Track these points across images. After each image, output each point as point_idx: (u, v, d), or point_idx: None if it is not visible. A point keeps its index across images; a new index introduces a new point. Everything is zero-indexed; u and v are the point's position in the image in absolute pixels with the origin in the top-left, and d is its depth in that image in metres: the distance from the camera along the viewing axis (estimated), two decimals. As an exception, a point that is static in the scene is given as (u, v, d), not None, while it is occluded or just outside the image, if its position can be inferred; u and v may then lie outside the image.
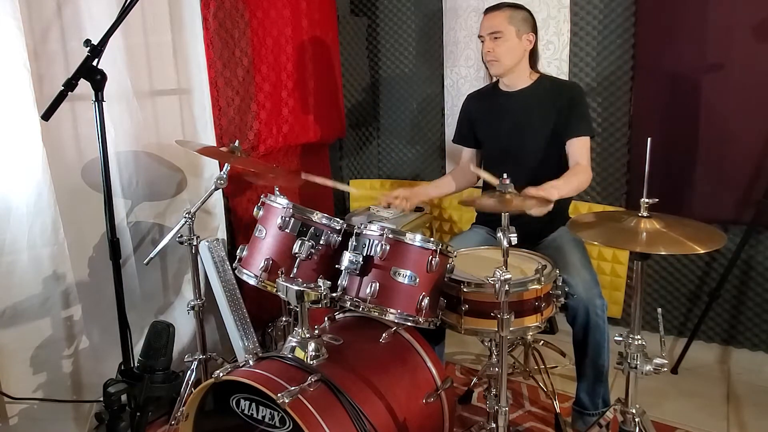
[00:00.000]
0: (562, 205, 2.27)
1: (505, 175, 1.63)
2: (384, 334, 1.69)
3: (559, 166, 2.16)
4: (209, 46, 2.31)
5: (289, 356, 1.55)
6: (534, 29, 2.12)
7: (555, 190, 1.79)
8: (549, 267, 1.79)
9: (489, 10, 2.14)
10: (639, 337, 1.52)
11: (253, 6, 2.49)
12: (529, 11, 2.13)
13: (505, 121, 2.18)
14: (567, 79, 2.61)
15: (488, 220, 2.28)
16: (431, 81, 3.07)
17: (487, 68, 2.21)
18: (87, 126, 1.94)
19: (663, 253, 1.41)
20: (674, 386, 2.39)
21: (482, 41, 2.14)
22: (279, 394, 1.33)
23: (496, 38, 2.08)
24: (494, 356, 1.86)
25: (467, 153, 2.39)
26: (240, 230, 2.59)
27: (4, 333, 1.81)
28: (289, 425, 1.39)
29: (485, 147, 2.29)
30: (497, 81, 2.26)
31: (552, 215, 2.13)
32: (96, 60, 1.57)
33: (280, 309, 2.38)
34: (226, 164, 1.97)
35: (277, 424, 1.42)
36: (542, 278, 1.69)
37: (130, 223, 2.14)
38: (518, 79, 2.17)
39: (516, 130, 2.16)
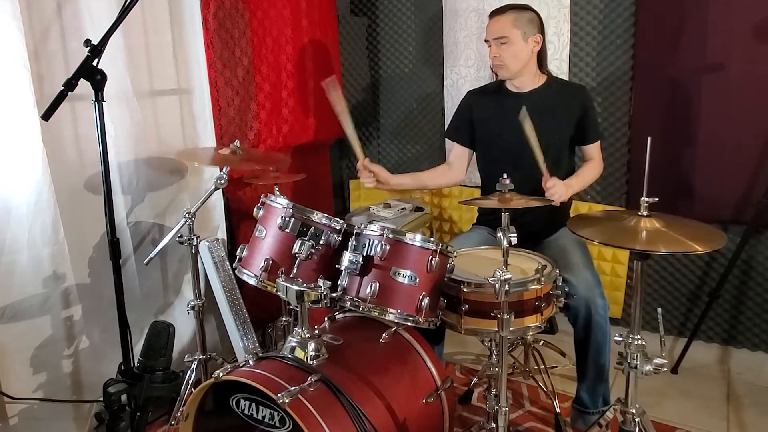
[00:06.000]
0: (564, 205, 2.27)
1: (504, 175, 1.64)
2: (384, 334, 1.69)
3: (561, 166, 2.17)
4: (209, 46, 2.31)
5: (289, 356, 1.54)
6: (541, 30, 2.10)
7: (570, 188, 2.03)
8: (549, 267, 1.79)
9: (494, 14, 2.11)
10: (639, 337, 1.52)
11: (253, 6, 2.49)
12: (535, 11, 2.10)
13: (514, 122, 2.16)
14: (567, 79, 2.61)
15: (489, 220, 2.27)
16: (431, 81, 3.07)
17: (494, 71, 2.19)
18: (87, 126, 1.94)
19: (663, 251, 1.40)
20: (674, 386, 2.39)
21: (488, 45, 2.12)
22: (279, 394, 1.33)
23: (502, 43, 2.06)
24: (494, 356, 1.86)
25: (458, 150, 2.33)
26: (240, 230, 2.59)
27: (4, 333, 1.81)
28: (289, 425, 1.38)
29: (487, 146, 2.26)
30: (503, 80, 2.22)
31: (553, 216, 2.15)
32: (96, 60, 1.57)
33: (280, 309, 2.39)
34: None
35: (277, 424, 1.41)
36: (542, 278, 1.69)
37: (130, 223, 2.14)
38: (527, 81, 2.15)
39: (523, 131, 2.14)
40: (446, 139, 2.36)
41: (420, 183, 2.41)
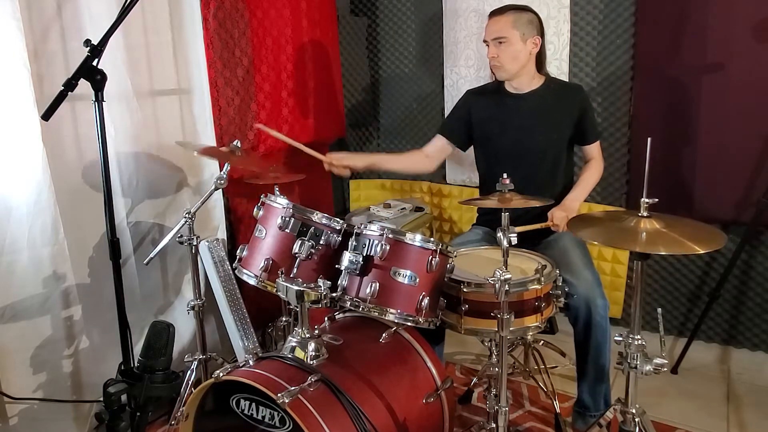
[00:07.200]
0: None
1: (504, 175, 1.64)
2: (384, 334, 1.69)
3: (560, 166, 2.17)
4: (209, 46, 2.31)
5: (289, 356, 1.54)
6: (540, 32, 2.09)
7: (576, 202, 2.04)
8: (549, 267, 1.79)
9: (493, 14, 2.10)
10: (639, 337, 1.52)
11: (253, 6, 2.49)
12: (534, 13, 2.10)
13: (513, 122, 2.16)
14: (567, 79, 2.61)
15: (489, 221, 2.27)
16: (431, 81, 3.07)
17: (493, 73, 2.19)
18: (87, 126, 1.94)
19: (663, 252, 1.40)
20: (674, 386, 2.39)
21: (487, 46, 2.12)
22: (279, 394, 1.33)
23: (500, 43, 2.05)
24: (494, 356, 1.86)
25: (441, 143, 2.31)
26: (240, 230, 2.59)
27: (4, 333, 1.81)
28: (289, 425, 1.38)
29: (486, 147, 2.26)
30: (502, 81, 2.22)
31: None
32: (96, 60, 1.57)
33: (280, 309, 2.39)
34: (226, 164, 1.97)
35: (277, 424, 1.41)
36: (542, 278, 1.69)
37: (130, 223, 2.14)
38: (525, 82, 2.15)
39: (523, 131, 2.14)
40: (438, 134, 2.33)
41: (388, 167, 2.40)
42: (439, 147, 2.33)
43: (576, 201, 2.08)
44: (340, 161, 2.12)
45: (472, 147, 2.34)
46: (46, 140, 1.80)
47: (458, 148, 2.33)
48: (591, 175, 2.18)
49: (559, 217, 1.95)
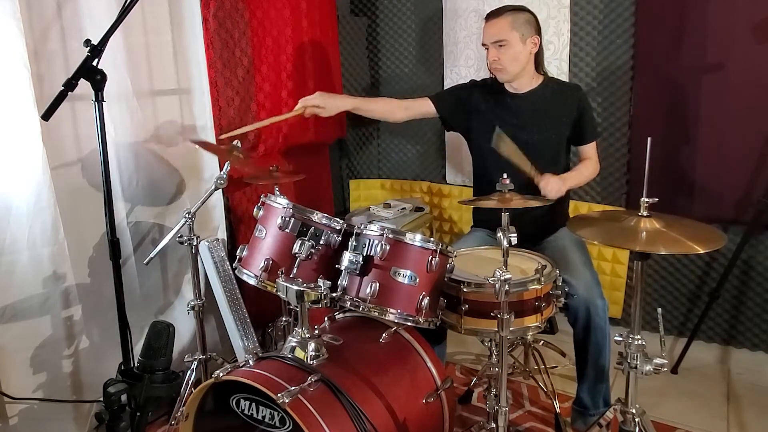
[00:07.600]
0: (563, 205, 2.28)
1: (504, 175, 1.64)
2: (384, 334, 1.69)
3: (558, 166, 2.17)
4: (209, 46, 2.31)
5: (289, 356, 1.55)
6: (538, 31, 2.09)
7: (569, 180, 2.07)
8: (549, 267, 1.79)
9: (490, 17, 2.09)
10: (639, 337, 1.52)
11: (253, 6, 2.49)
12: (531, 12, 2.09)
13: (512, 121, 2.16)
14: (567, 79, 2.61)
15: (487, 221, 2.27)
16: (431, 81, 3.06)
17: (492, 74, 2.18)
18: (87, 126, 1.93)
19: (663, 252, 1.40)
20: (674, 386, 2.39)
21: (486, 49, 2.12)
22: (279, 394, 1.33)
23: (500, 46, 2.05)
24: (494, 356, 1.86)
25: (425, 106, 2.31)
26: (240, 230, 2.59)
27: (4, 333, 1.81)
28: (289, 425, 1.38)
29: (480, 143, 2.25)
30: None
31: (553, 215, 2.15)
32: (96, 60, 1.57)
33: (280, 309, 2.38)
34: (226, 164, 1.97)
35: (277, 424, 1.41)
36: (542, 278, 1.69)
37: (130, 223, 2.14)
38: (525, 83, 2.15)
39: (522, 131, 2.13)
40: (430, 99, 2.33)
41: (361, 111, 2.37)
42: (420, 107, 2.33)
43: (569, 179, 2.08)
44: (312, 111, 2.11)
45: (469, 147, 2.34)
46: (46, 140, 1.80)
47: (441, 121, 2.36)
48: (586, 168, 2.19)
49: (550, 179, 1.94)
